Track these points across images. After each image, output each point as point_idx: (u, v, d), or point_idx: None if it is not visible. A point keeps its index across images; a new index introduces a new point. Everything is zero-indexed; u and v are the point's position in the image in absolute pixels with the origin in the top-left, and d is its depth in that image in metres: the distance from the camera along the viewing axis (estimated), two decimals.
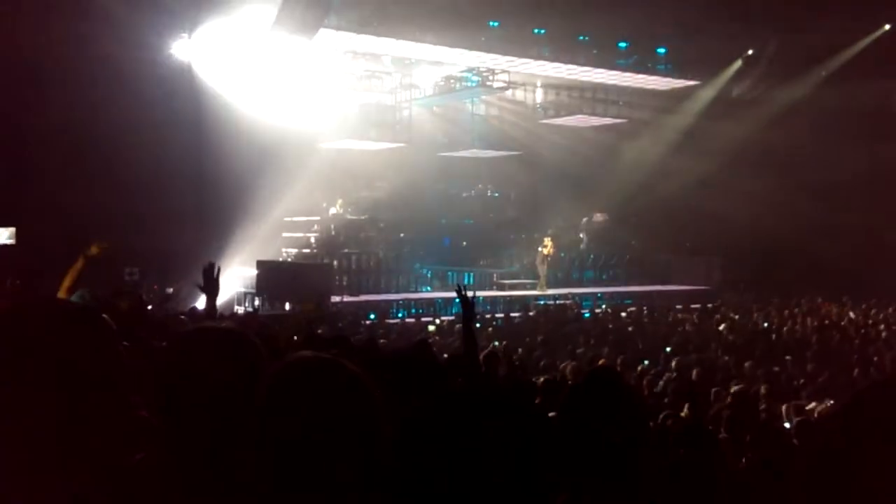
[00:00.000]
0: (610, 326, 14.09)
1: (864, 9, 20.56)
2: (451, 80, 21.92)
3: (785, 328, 13.40)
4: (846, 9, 19.85)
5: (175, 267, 15.96)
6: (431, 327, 14.64)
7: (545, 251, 20.41)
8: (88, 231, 16.35)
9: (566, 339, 12.10)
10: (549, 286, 20.52)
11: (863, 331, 12.87)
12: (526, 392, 4.92)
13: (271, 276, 17.17)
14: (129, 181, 17.22)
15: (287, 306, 16.24)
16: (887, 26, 22.02)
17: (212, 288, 4.01)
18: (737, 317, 15.34)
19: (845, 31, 21.67)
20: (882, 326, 13.43)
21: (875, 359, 9.74)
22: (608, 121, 23.39)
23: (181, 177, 18.81)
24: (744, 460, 4.50)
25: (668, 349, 10.63)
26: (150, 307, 8.85)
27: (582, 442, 2.19)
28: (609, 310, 17.68)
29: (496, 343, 11.49)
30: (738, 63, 23.32)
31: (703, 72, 22.86)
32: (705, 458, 3.83)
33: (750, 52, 23.07)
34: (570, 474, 2.14)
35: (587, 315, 17.22)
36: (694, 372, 8.16)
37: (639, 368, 8.78)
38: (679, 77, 22.59)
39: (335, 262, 18.88)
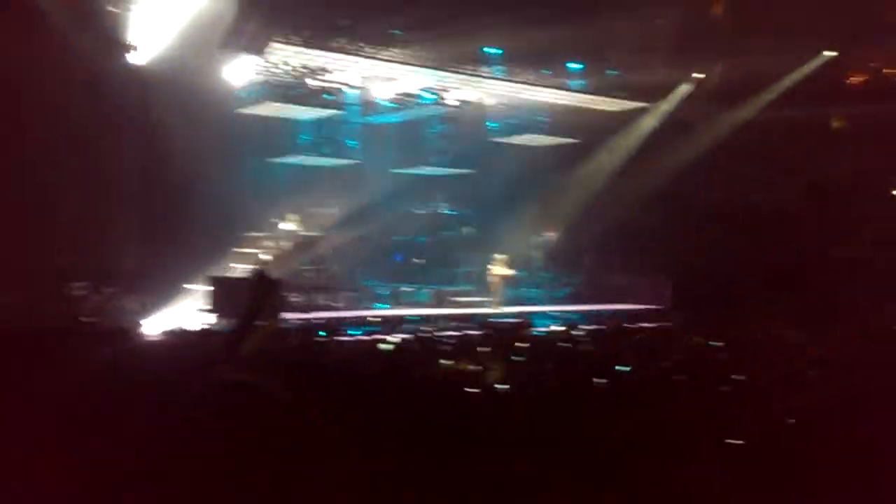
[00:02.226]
0: (558, 344, 14.11)
1: (804, 36, 21.19)
2: (406, 97, 21.93)
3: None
4: (789, 36, 20.46)
5: (119, 283, 15.65)
6: (384, 346, 14.48)
7: (498, 270, 20.48)
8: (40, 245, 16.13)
9: (519, 356, 12.06)
10: (502, 305, 20.55)
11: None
12: None
13: (225, 292, 16.88)
14: (69, 192, 16.90)
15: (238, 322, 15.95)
16: (832, 53, 22.68)
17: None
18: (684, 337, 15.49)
19: (790, 57, 22.28)
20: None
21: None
22: (559, 140, 23.63)
23: (124, 190, 18.50)
24: None
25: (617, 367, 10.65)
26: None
27: None
28: (561, 328, 17.72)
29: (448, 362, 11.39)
30: (686, 86, 23.77)
31: (653, 94, 23.27)
32: None
33: (697, 74, 23.54)
34: None
35: (538, 334, 17.23)
36: None
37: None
38: (629, 99, 22.95)
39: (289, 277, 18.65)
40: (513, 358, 11.56)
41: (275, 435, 1.71)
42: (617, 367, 9.82)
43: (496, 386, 7.92)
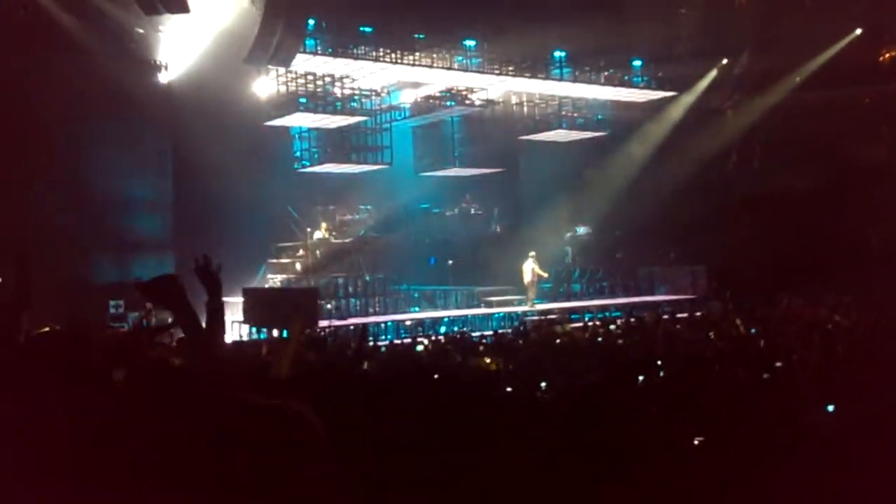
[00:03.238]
0: (599, 340, 14.06)
1: (834, 14, 20.89)
2: (431, 100, 22.01)
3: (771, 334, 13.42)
4: (817, 15, 20.19)
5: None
6: (420, 347, 14.55)
7: (531, 268, 20.47)
8: (74, 261, 16.47)
9: (556, 354, 12.06)
10: (538, 302, 20.54)
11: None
12: None
13: (257, 303, 17.06)
14: (105, 212, 17.22)
15: (275, 333, 16.13)
16: (858, 31, 22.32)
17: (211, 283, 3.55)
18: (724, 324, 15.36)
19: (817, 37, 21.96)
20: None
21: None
22: (587, 134, 23.53)
23: (160, 205, 18.80)
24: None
25: (658, 362, 10.61)
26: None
27: None
28: (598, 323, 17.66)
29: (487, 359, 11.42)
30: (714, 73, 23.52)
31: (680, 83, 23.07)
32: None
33: (724, 61, 23.29)
34: None
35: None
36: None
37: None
38: (656, 89, 22.78)
39: (323, 285, 18.83)
40: (550, 356, 11.56)
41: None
42: (657, 362, 9.76)
43: (537, 386, 7.95)
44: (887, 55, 23.66)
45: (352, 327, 17.05)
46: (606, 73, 22.13)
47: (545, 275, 20.99)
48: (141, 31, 17.76)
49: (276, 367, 4.64)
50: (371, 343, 15.31)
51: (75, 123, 16.80)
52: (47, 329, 4.44)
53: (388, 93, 21.47)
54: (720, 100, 23.80)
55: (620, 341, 13.94)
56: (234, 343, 13.97)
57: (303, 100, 19.10)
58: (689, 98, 23.61)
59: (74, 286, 16.19)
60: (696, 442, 5.09)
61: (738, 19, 22.00)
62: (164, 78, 18.40)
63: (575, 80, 21.69)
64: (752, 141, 23.73)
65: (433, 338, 15.12)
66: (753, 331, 13.86)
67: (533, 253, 20.81)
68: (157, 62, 18.25)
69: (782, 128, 22.30)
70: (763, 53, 22.19)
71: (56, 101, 16.35)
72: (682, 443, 5.22)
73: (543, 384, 7.97)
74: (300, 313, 15.87)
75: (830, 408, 4.17)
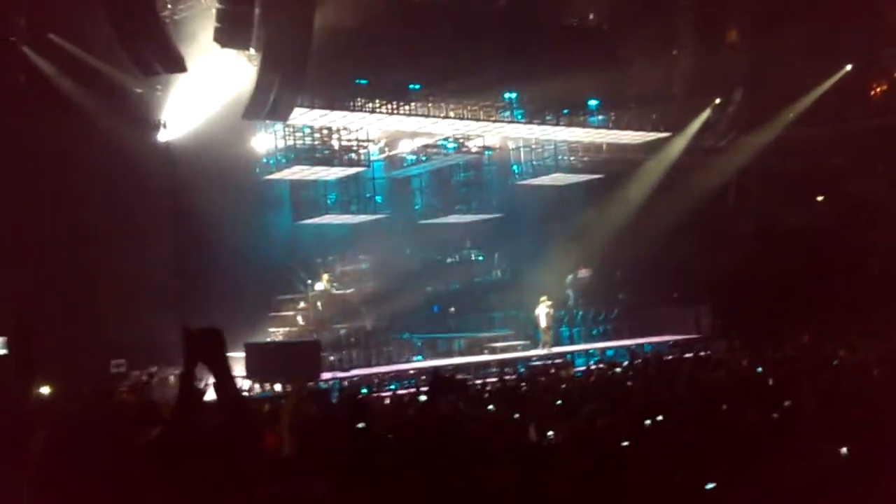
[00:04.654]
0: (605, 383, 13.93)
1: (825, 50, 21.15)
2: (428, 149, 22.16)
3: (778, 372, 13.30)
4: (807, 52, 20.44)
5: (162, 357, 15.80)
6: (423, 397, 14.41)
7: (547, 312, 20.48)
8: (77, 323, 16.41)
9: (561, 398, 11.93)
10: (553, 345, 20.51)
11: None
12: None
13: (260, 357, 16.98)
14: (109, 272, 17.21)
15: (278, 387, 16.03)
16: (849, 66, 22.58)
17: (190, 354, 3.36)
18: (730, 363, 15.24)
19: (809, 73, 22.22)
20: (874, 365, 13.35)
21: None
22: (584, 177, 23.66)
23: (161, 263, 18.81)
24: None
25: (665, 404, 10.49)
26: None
27: None
28: (603, 366, 17.53)
29: (491, 407, 11.30)
30: (708, 112, 23.72)
31: (674, 124, 23.27)
32: None
33: (718, 100, 23.49)
34: None
35: (579, 374, 17.06)
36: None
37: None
38: (650, 130, 22.95)
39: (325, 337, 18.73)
40: (556, 401, 11.44)
41: None
42: (660, 405, 9.65)
43: (543, 433, 7.85)
44: (878, 89, 23.92)
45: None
46: (600, 117, 22.31)
47: (552, 313, 20.99)
48: (139, 90, 17.97)
49: (283, 443, 4.57)
50: (375, 394, 15.20)
51: (74, 183, 16.89)
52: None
53: (386, 143, 21.63)
54: (715, 138, 23.97)
55: (628, 384, 13.81)
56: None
57: (301, 153, 19.23)
58: (683, 138, 23.78)
59: (75, 346, 16.09)
60: (707, 487, 5.01)
61: (730, 59, 22.27)
62: (163, 136, 18.57)
63: (570, 125, 21.86)
64: (749, 178, 23.86)
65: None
66: (760, 369, 13.74)
67: (544, 297, 20.78)
68: (156, 121, 18.43)
69: (779, 164, 22.46)
70: (756, 92, 22.41)
71: (54, 162, 16.48)
72: (691, 488, 5.14)
73: (550, 432, 7.88)
74: (301, 367, 15.86)
75: (844, 450, 4.10)
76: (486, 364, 19.19)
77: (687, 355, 18.35)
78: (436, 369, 15.97)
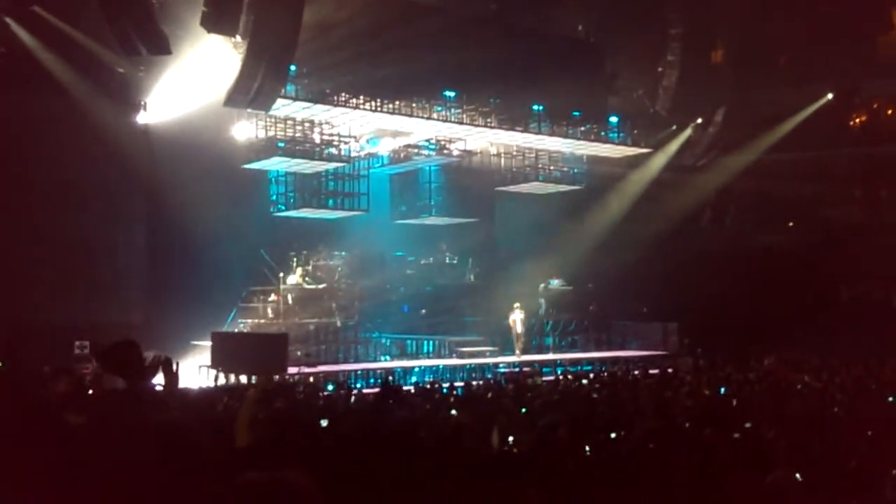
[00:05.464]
0: (569, 394, 13.96)
1: (807, 77, 21.43)
2: (409, 149, 22.12)
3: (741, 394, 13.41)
4: (791, 78, 20.70)
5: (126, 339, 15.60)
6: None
7: (520, 318, 20.55)
8: (40, 299, 16.20)
9: (526, 407, 11.94)
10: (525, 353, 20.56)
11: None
12: None
13: (226, 347, 16.84)
14: (80, 248, 17.03)
15: (243, 379, 15.90)
16: (830, 95, 22.89)
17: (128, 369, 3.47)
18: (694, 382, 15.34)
19: (791, 99, 22.50)
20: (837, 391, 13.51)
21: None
22: (563, 187, 23.73)
23: (133, 245, 18.64)
24: None
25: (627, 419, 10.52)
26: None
27: None
28: (570, 377, 17.58)
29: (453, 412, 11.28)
30: (689, 132, 23.91)
31: (655, 140, 23.43)
32: None
33: (699, 120, 23.70)
34: None
35: (545, 383, 17.10)
36: None
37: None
38: (631, 145, 23.09)
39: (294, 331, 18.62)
40: (521, 409, 11.44)
41: None
42: (624, 419, 9.69)
43: (504, 440, 7.85)
44: (858, 120, 24.28)
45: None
46: (583, 129, 22.41)
47: (524, 320, 21.07)
48: (122, 70, 17.78)
49: (237, 433, 4.52)
50: (342, 391, 15.12)
51: (48, 157, 16.67)
52: None
53: (367, 140, 21.56)
54: (694, 158, 24.18)
55: (593, 395, 13.85)
56: (200, 391, 13.72)
57: (281, 144, 19.12)
58: (663, 155, 23.95)
59: (38, 327, 15.87)
60: None
61: (714, 80, 22.48)
62: (143, 118, 18.38)
63: (552, 134, 21.92)
64: (725, 199, 24.09)
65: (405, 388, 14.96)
66: (723, 390, 13.83)
67: (518, 304, 20.82)
68: (137, 102, 18.24)
69: (755, 187, 22.70)
70: (737, 114, 22.64)
71: (30, 136, 16.26)
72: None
73: (511, 438, 7.88)
74: (268, 360, 15.75)
75: (798, 476, 4.13)
76: (454, 368, 19.18)
77: (653, 371, 18.47)
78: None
